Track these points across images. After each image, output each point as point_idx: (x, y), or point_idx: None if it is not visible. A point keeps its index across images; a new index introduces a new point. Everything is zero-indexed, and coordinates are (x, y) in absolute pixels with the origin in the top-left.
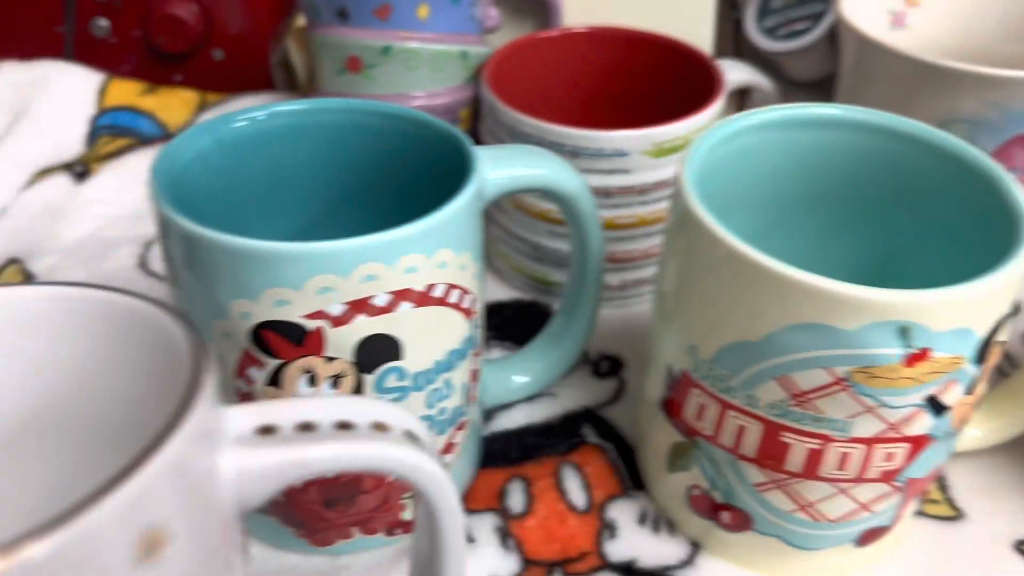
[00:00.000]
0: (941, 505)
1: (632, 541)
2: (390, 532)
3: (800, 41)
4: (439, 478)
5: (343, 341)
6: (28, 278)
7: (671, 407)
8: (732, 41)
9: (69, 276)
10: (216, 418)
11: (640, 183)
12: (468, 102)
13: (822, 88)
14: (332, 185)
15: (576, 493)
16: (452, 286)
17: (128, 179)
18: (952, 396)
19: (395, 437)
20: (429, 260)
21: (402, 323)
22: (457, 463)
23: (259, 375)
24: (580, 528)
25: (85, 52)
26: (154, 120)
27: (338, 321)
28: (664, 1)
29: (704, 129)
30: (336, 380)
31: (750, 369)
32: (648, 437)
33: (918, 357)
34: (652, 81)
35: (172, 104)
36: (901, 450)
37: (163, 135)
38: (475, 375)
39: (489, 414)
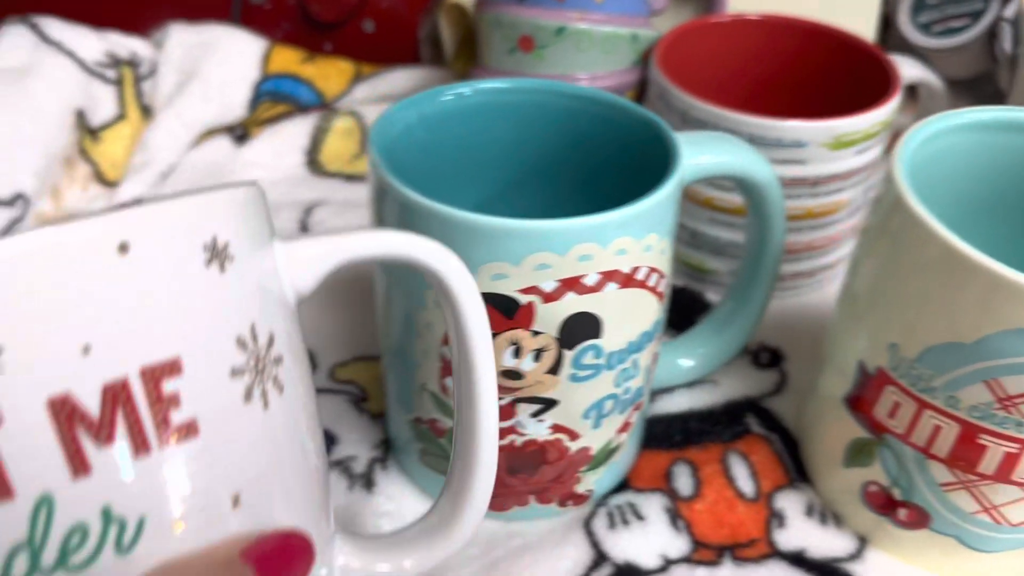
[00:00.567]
0: None
1: (801, 531)
2: (562, 503)
3: (956, 39)
4: (457, 264)
5: (551, 317)
6: None
7: (858, 404)
8: (879, 35)
9: None
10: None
11: (814, 175)
12: (633, 85)
13: (973, 87)
14: (517, 162)
15: (744, 481)
16: (652, 269)
17: (284, 145)
18: None
19: (421, 239)
20: (637, 243)
21: (606, 303)
22: (628, 441)
23: None
24: (749, 515)
25: (243, 16)
26: (313, 88)
27: (549, 297)
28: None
29: (883, 124)
30: (538, 353)
31: (958, 371)
32: (820, 432)
33: None
34: (823, 73)
35: (330, 74)
36: None
37: (320, 103)
38: (655, 358)
39: (651, 396)
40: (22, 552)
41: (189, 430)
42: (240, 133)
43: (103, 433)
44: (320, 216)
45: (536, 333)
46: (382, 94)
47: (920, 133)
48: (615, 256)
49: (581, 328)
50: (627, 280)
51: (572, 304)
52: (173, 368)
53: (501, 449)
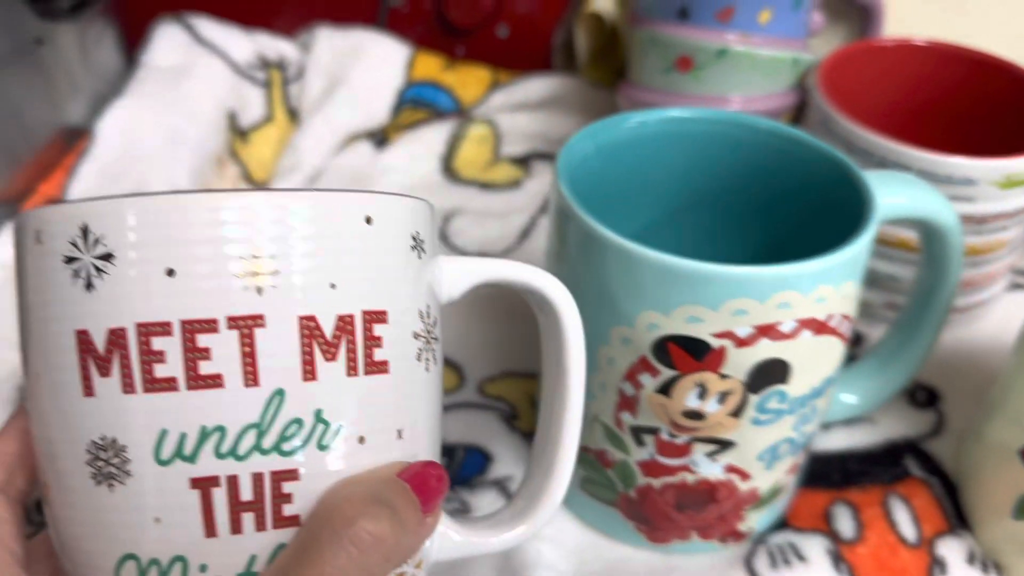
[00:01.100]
0: None
1: None
2: (723, 539)
3: None
4: (563, 292)
5: (742, 361)
6: None
7: None
8: None
9: None
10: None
11: (981, 213)
12: (789, 108)
13: None
14: (684, 190)
15: (906, 525)
16: (845, 316)
17: (420, 150)
18: None
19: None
20: (836, 291)
21: (798, 349)
22: (792, 480)
23: (650, 382)
24: (912, 561)
25: (387, 18)
26: (452, 96)
27: (742, 342)
28: (995, 20)
29: None
30: (723, 396)
31: None
32: (985, 480)
33: None
34: (989, 106)
35: (468, 81)
36: None
37: (457, 111)
38: (829, 400)
39: None
40: (251, 430)
41: (383, 367)
42: (380, 138)
43: (330, 352)
44: (459, 225)
45: (724, 376)
46: (517, 102)
47: None
48: (814, 304)
49: (770, 374)
50: (821, 327)
51: (765, 350)
52: (382, 317)
53: (670, 486)
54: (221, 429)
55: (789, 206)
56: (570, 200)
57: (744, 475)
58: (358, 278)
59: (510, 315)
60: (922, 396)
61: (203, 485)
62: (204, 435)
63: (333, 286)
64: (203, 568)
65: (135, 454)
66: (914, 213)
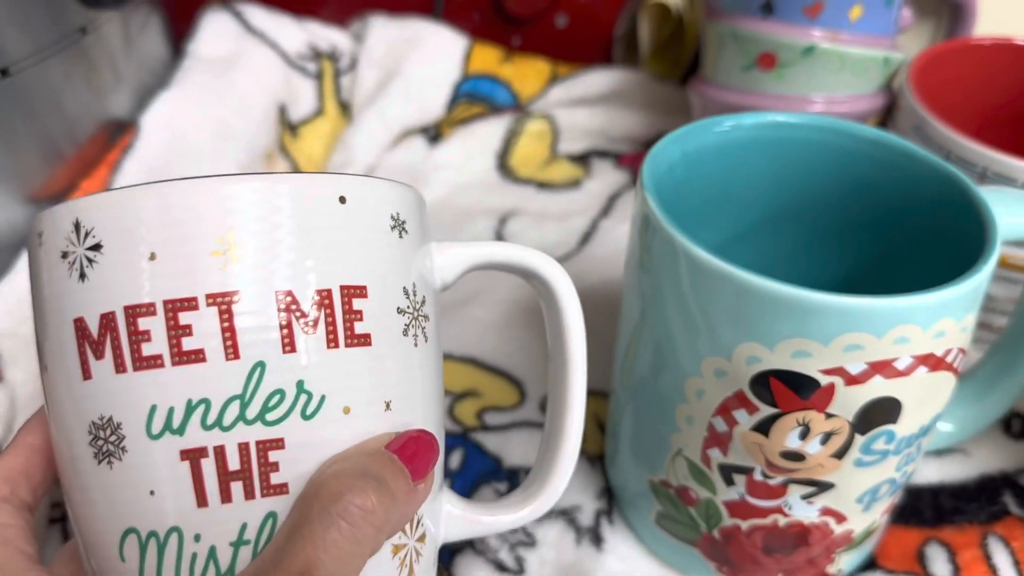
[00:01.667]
0: None
1: None
2: None
3: None
4: (559, 272)
5: (851, 400)
6: None
7: None
8: None
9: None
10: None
11: None
12: (877, 111)
13: None
14: (769, 202)
15: (1007, 571)
16: (961, 350)
17: (475, 147)
18: None
19: (534, 251)
20: (957, 324)
21: (912, 387)
22: (886, 521)
23: (746, 419)
24: None
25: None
26: (510, 90)
27: (853, 380)
28: None
29: None
30: (827, 437)
31: None
32: None
33: None
34: None
35: (527, 74)
36: None
37: (515, 105)
38: (932, 437)
39: None
40: (235, 401)
41: (365, 340)
42: (434, 134)
43: (309, 324)
44: (515, 227)
45: (829, 416)
46: (577, 96)
47: None
48: (933, 339)
49: (880, 413)
50: (938, 363)
51: (877, 388)
52: (361, 292)
53: (759, 528)
54: (206, 402)
55: (890, 224)
56: (660, 215)
57: (841, 518)
58: (334, 255)
59: None
60: (1018, 425)
61: (192, 456)
62: (190, 408)
63: (309, 262)
64: (197, 538)
65: (129, 431)
66: None
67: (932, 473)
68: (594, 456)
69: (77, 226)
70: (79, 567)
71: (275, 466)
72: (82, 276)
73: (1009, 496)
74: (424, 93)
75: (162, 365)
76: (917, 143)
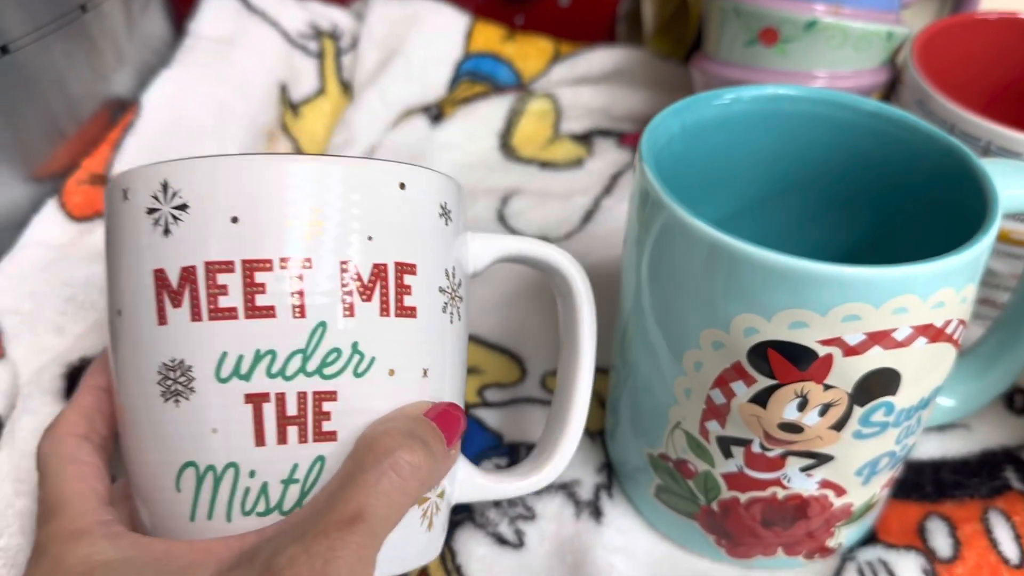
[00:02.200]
0: None
1: None
2: (809, 556)
3: None
4: (573, 265)
5: (849, 371)
6: None
7: None
8: None
9: None
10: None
11: None
12: (880, 86)
13: None
14: (770, 175)
15: (1007, 545)
16: (961, 321)
17: (477, 127)
18: None
19: (559, 251)
20: (957, 295)
21: (911, 358)
22: (886, 494)
23: (743, 391)
24: None
25: None
26: (512, 69)
27: (851, 351)
28: None
29: None
30: (825, 408)
31: None
32: None
33: None
34: None
35: (529, 53)
36: None
37: (517, 84)
38: (932, 410)
39: None
40: (298, 355)
41: (411, 312)
42: (435, 113)
43: (366, 293)
44: (517, 207)
45: (828, 387)
46: (580, 75)
47: None
48: (932, 309)
49: (879, 385)
50: (937, 334)
51: (875, 359)
52: (411, 269)
53: (757, 500)
54: (272, 353)
55: (890, 196)
56: (659, 187)
57: (840, 491)
58: (392, 233)
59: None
60: (1020, 401)
61: (255, 400)
62: (258, 357)
63: (370, 238)
64: (252, 474)
65: (199, 373)
66: None
67: (934, 448)
68: (594, 431)
69: (165, 186)
70: (127, 505)
71: (327, 415)
72: (166, 231)
73: (1011, 471)
74: (426, 72)
75: (236, 317)
76: (921, 117)
